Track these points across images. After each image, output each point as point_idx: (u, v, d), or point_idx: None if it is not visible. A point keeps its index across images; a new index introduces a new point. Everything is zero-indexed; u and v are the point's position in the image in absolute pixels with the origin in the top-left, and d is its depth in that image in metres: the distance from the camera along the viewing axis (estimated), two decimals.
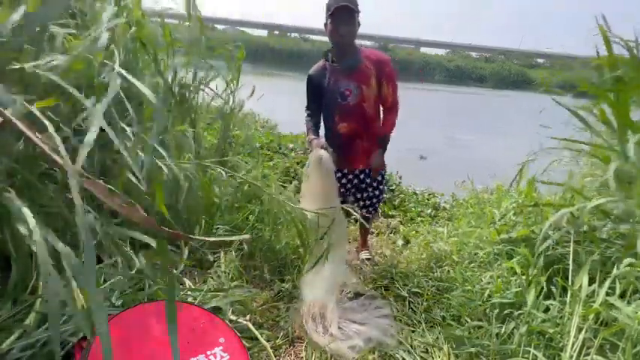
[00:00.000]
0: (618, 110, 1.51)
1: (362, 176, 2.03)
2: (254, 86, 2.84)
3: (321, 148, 1.76)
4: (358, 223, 2.31)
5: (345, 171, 2.00)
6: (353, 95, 1.85)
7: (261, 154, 3.70)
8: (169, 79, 2.04)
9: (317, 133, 1.94)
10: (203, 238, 1.59)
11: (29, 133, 0.72)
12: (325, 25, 1.80)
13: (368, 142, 1.96)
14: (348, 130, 1.92)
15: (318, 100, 1.93)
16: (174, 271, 1.51)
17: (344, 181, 2.01)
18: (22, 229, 0.81)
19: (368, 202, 2.09)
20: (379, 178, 2.07)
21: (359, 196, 2.07)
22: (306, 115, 2.00)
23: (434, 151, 6.62)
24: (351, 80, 1.84)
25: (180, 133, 1.88)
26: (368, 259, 2.22)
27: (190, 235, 1.46)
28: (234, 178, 2.11)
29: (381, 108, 1.97)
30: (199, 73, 2.39)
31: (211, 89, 2.56)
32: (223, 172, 1.99)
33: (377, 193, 2.09)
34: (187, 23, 2.28)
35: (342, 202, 1.85)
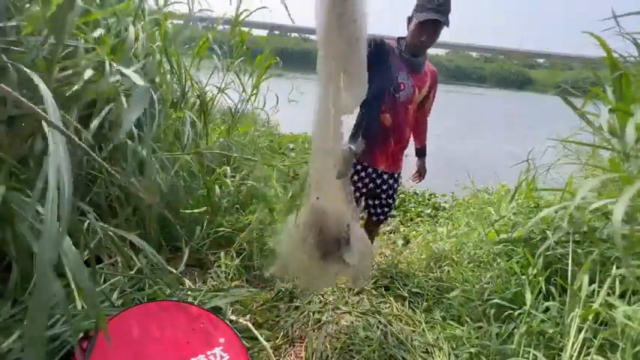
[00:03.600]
0: (620, 110, 1.50)
1: (378, 180, 1.93)
2: (277, 96, 2.88)
3: None
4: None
5: (366, 164, 1.89)
6: (405, 92, 1.81)
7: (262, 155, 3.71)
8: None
9: None
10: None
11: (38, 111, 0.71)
12: (410, 18, 1.74)
13: (397, 145, 1.89)
14: (390, 125, 1.84)
15: (378, 66, 1.72)
16: (175, 271, 1.51)
17: (362, 174, 1.90)
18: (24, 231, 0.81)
19: (379, 211, 2.01)
20: (395, 186, 2.01)
21: (370, 202, 1.99)
22: None
23: (433, 151, 6.61)
24: (410, 77, 1.81)
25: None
26: None
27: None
28: (235, 178, 2.12)
29: (417, 118, 2.01)
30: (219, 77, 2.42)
31: (227, 95, 2.59)
32: (228, 171, 1.99)
33: (390, 201, 2.01)
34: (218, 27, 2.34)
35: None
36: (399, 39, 1.84)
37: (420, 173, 2.22)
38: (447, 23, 1.70)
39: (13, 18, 1.09)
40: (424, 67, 1.86)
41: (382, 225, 2.45)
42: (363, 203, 1.93)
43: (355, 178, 1.90)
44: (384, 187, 1.95)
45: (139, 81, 1.13)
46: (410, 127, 1.95)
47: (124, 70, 1.19)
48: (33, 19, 1.05)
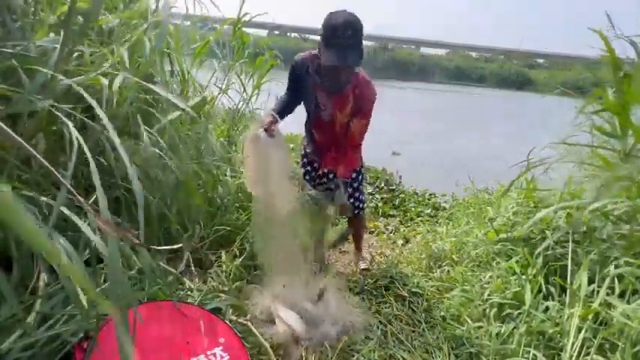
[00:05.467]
0: (620, 111, 1.51)
1: (325, 179, 1.97)
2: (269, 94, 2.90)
3: (265, 125, 1.56)
4: (346, 226, 2.23)
5: (317, 165, 1.97)
6: (327, 112, 1.74)
7: None
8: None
9: (278, 111, 1.70)
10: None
11: (38, 156, 0.71)
12: (319, 45, 1.53)
13: (337, 153, 1.85)
14: (320, 139, 1.89)
15: (296, 91, 1.77)
16: (174, 271, 1.51)
17: (320, 173, 1.97)
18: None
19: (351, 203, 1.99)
20: (357, 181, 1.98)
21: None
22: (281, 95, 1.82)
23: (434, 151, 6.63)
24: (329, 99, 1.70)
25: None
26: (366, 271, 2.11)
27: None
28: (237, 177, 2.12)
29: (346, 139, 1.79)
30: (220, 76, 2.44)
31: (228, 95, 2.61)
32: (228, 171, 1.98)
33: (357, 194, 1.99)
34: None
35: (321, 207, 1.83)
36: (316, 57, 1.62)
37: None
38: (354, 64, 1.50)
39: (18, 21, 1.10)
40: (348, 88, 1.64)
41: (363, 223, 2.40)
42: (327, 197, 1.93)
43: (308, 177, 1.98)
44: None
45: (182, 105, 1.20)
46: (345, 138, 1.80)
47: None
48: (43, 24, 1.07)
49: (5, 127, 0.58)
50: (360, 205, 2.04)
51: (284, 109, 1.76)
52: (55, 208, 0.88)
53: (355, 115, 1.71)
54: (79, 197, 0.70)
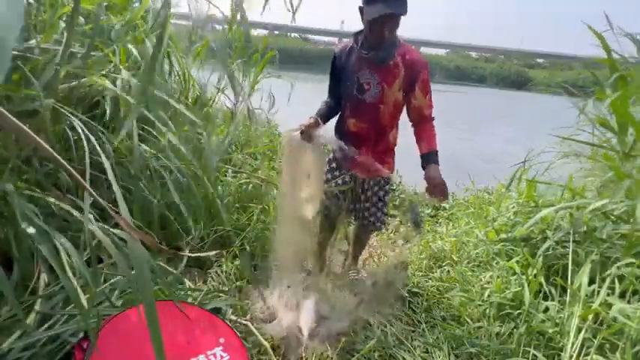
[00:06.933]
0: (618, 109, 1.50)
1: (364, 185, 1.79)
2: (273, 95, 2.90)
3: (303, 126, 1.53)
4: (351, 232, 2.11)
5: (344, 170, 1.77)
6: (372, 91, 1.59)
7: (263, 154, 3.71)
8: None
9: (321, 114, 1.66)
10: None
11: (46, 146, 0.70)
12: (361, 9, 1.48)
13: (376, 150, 1.70)
14: (358, 129, 1.67)
15: (339, 84, 1.68)
16: (175, 271, 1.51)
17: (340, 178, 1.78)
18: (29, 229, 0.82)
19: (360, 215, 1.84)
20: (378, 192, 1.81)
21: (358, 206, 1.83)
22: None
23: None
24: (374, 73, 1.57)
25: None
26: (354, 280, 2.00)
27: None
28: (237, 177, 2.12)
29: (413, 120, 1.67)
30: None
31: (226, 95, 2.61)
32: (230, 171, 1.98)
33: (366, 204, 1.81)
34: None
35: (336, 207, 1.76)
36: (357, 34, 1.61)
37: (435, 189, 1.57)
38: (403, 10, 1.43)
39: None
40: (394, 57, 1.56)
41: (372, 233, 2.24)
42: (350, 205, 1.82)
43: (332, 180, 1.79)
44: (359, 191, 1.80)
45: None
46: (388, 128, 1.69)
47: None
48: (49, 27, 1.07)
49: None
50: (369, 217, 1.83)
51: (327, 112, 1.69)
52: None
53: (409, 88, 1.58)
54: (103, 202, 0.70)
